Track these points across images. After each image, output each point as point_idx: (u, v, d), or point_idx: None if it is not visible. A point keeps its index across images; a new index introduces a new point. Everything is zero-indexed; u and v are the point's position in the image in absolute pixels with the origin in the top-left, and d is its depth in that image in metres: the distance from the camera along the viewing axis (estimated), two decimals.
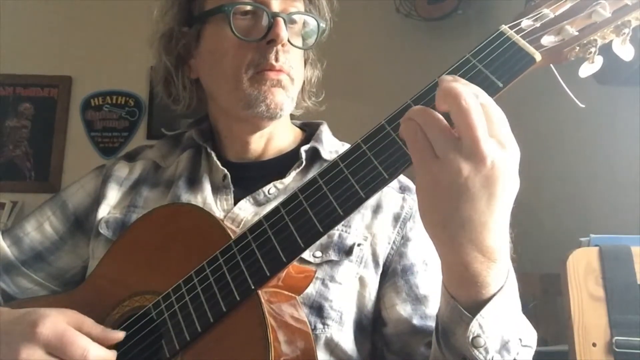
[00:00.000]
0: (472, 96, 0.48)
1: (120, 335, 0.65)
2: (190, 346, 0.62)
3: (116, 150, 2.64)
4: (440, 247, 0.54)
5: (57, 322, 0.61)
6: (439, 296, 0.70)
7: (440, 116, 0.50)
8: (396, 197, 0.83)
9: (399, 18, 2.59)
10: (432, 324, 0.70)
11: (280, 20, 0.77)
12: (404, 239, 0.80)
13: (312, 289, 0.73)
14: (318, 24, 0.84)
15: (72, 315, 0.64)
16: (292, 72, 0.80)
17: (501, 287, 0.54)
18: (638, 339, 0.94)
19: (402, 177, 0.88)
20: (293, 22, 0.81)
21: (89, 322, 0.64)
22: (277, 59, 0.77)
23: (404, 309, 0.75)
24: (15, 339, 0.61)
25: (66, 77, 2.68)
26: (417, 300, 0.75)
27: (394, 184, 0.85)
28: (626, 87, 1.50)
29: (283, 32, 0.76)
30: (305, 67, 0.88)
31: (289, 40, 0.78)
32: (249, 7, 0.79)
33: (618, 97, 1.58)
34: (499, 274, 0.54)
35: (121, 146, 2.65)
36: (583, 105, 0.56)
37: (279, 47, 0.77)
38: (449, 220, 0.50)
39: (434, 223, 0.53)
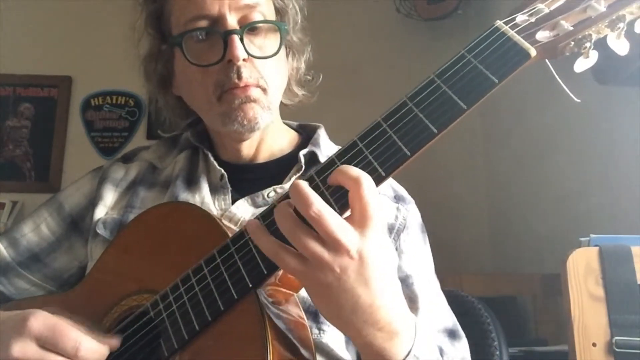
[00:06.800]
0: (316, 200, 0.52)
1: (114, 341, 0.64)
2: (189, 345, 0.62)
3: (116, 150, 2.64)
4: (344, 332, 0.58)
5: (48, 316, 0.61)
6: (429, 307, 0.77)
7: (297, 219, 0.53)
8: (390, 206, 0.83)
9: (399, 18, 2.60)
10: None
11: (235, 38, 0.74)
12: (398, 251, 0.80)
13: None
14: (280, 28, 0.80)
15: (66, 318, 0.63)
16: (262, 81, 0.77)
17: (409, 352, 0.58)
18: (638, 339, 0.94)
19: (397, 186, 0.88)
20: (254, 29, 0.78)
21: (83, 328, 0.63)
22: (239, 77, 0.75)
23: None
24: (7, 334, 0.60)
25: (66, 77, 2.68)
26: None
27: (389, 192, 0.85)
28: (626, 87, 1.49)
29: (238, 50, 0.73)
30: (287, 58, 0.86)
31: (250, 53, 0.75)
32: (202, 32, 0.77)
33: (618, 97, 1.58)
34: (404, 341, 0.57)
35: (121, 146, 2.65)
36: (579, 100, 0.56)
37: (241, 62, 0.74)
38: (339, 311, 0.54)
39: (329, 316, 0.57)
